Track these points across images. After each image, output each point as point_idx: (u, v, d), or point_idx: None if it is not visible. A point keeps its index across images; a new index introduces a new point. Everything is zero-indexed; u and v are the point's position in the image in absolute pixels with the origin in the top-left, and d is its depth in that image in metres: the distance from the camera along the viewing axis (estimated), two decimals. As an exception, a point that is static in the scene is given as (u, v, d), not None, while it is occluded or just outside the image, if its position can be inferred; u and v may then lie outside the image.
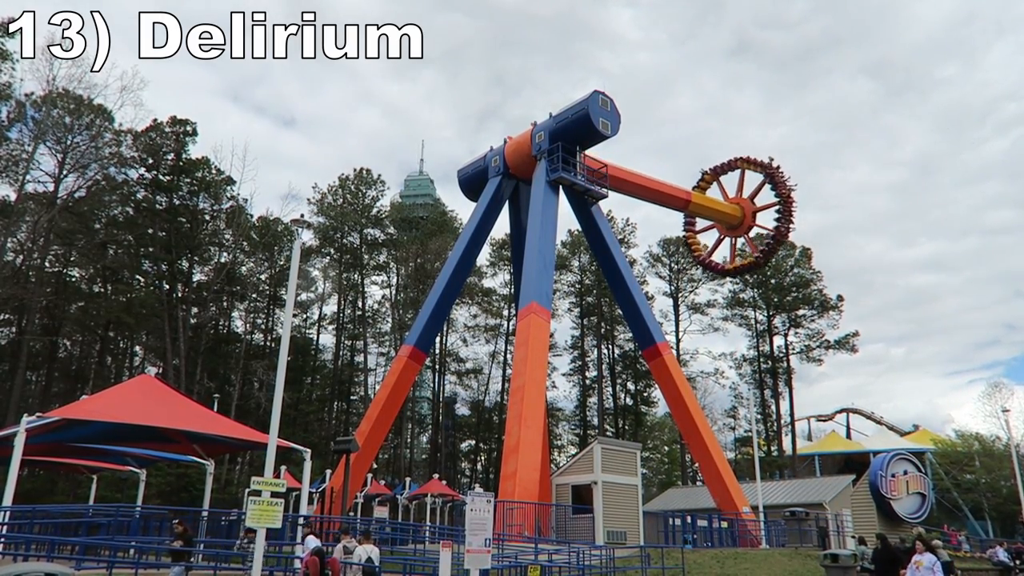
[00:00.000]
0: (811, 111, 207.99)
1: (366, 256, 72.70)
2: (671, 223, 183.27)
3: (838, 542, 34.86)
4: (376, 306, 74.74)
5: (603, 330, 73.93)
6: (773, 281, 72.50)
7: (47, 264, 56.29)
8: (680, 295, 73.87)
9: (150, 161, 58.73)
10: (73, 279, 61.06)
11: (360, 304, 73.12)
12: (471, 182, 40.73)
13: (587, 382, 74.43)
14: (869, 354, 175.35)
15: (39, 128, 49.73)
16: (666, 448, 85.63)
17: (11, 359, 53.76)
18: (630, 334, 62.58)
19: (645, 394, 74.10)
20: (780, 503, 39.45)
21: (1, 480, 18.74)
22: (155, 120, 58.87)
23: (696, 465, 55.42)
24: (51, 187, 51.48)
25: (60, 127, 50.33)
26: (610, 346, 74.44)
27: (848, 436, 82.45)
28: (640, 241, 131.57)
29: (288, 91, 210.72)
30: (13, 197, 51.54)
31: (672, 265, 74.19)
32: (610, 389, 74.17)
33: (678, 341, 71.59)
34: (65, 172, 51.42)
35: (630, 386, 75.15)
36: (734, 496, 33.81)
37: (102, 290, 61.78)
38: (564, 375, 75.18)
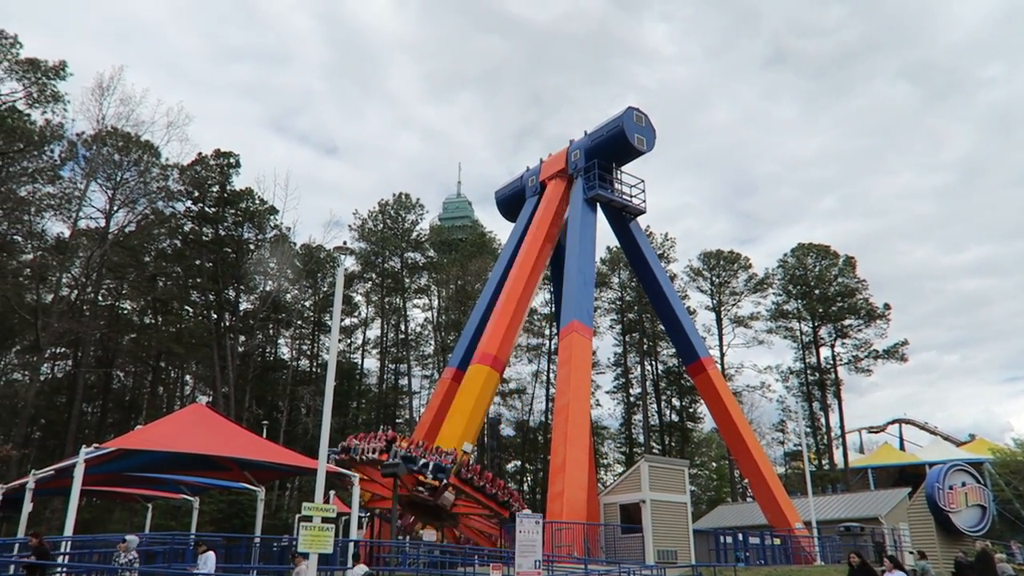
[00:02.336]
0: (851, 117, 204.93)
1: (407, 280, 73.42)
2: (711, 236, 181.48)
3: (896, 558, 33.83)
4: (419, 329, 75.38)
5: (646, 346, 73.35)
6: (817, 292, 71.28)
7: (100, 298, 57.98)
8: (723, 308, 73.00)
9: (196, 194, 60.29)
10: (125, 311, 62.75)
11: (403, 327, 73.74)
12: (509, 203, 41.01)
13: (631, 399, 73.81)
14: (920, 363, 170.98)
15: (90, 166, 51.49)
16: (714, 464, 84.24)
17: (68, 391, 55.36)
18: (673, 350, 62.01)
19: (691, 410, 73.16)
20: (834, 518, 38.51)
21: (62, 510, 19.28)
22: (200, 154, 60.54)
23: (745, 481, 54.44)
24: (102, 223, 53.21)
25: (110, 164, 52.04)
26: (653, 362, 73.79)
27: (901, 448, 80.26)
28: (680, 255, 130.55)
29: (329, 119, 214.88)
30: (67, 234, 53.35)
31: (713, 279, 73.41)
32: (655, 406, 73.42)
33: (722, 355, 70.68)
34: (116, 208, 53.14)
35: (675, 402, 74.29)
36: (786, 512, 33.12)
37: (153, 321, 63.36)
38: (608, 393, 74.72)
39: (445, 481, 24.01)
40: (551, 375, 70.23)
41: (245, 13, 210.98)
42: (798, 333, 72.61)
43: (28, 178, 50.91)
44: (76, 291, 54.29)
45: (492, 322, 33.04)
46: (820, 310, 70.97)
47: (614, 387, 74.63)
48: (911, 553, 32.06)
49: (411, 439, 26.16)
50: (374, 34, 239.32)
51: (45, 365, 56.05)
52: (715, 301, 73.20)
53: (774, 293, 73.45)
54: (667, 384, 73.84)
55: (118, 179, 52.70)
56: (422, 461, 24.01)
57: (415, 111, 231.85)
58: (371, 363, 76.46)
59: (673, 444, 71.70)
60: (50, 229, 55.46)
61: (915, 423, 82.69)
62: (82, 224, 53.44)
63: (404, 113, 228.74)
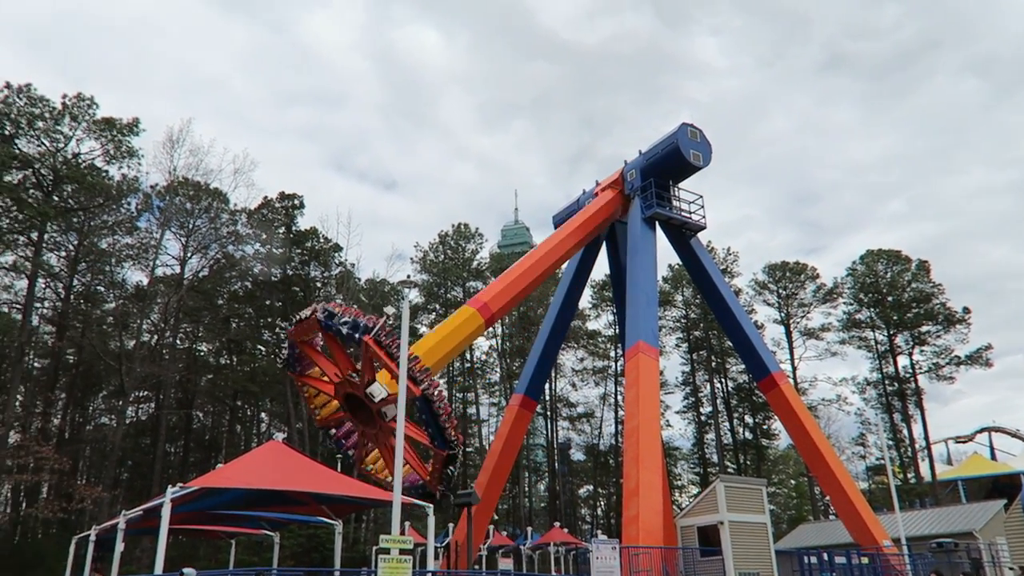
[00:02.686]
0: (914, 117, 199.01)
1: (470, 308, 73.97)
2: (775, 248, 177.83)
3: (995, 574, 32.18)
4: (484, 357, 75.76)
5: (714, 364, 72.07)
6: (890, 299, 68.95)
7: (178, 341, 60.23)
8: (791, 321, 71.27)
9: (263, 236, 62.34)
10: (202, 353, 65.00)
11: (468, 356, 74.24)
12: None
13: (702, 418, 72.47)
14: (1008, 367, 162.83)
15: (164, 216, 53.85)
16: (792, 482, 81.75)
17: (152, 433, 57.48)
18: (743, 366, 60.75)
19: (764, 427, 71.36)
20: (924, 534, 36.84)
21: (151, 549, 19.95)
22: (266, 197, 62.66)
23: (827, 498, 52.64)
24: (178, 269, 55.48)
25: (182, 213, 54.35)
26: (723, 380, 72.38)
27: (992, 457, 76.25)
28: (744, 269, 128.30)
29: (387, 155, 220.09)
30: (146, 282, 55.77)
31: (780, 291, 71.84)
32: (727, 424, 71.89)
33: (794, 369, 68.86)
34: (189, 254, 55.36)
35: (748, 419, 72.59)
36: (872, 529, 31.87)
37: (228, 362, 65.42)
38: (678, 413, 73.58)
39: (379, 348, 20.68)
40: (619, 397, 69.58)
41: (302, 58, 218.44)
42: (873, 343, 70.28)
43: (108, 231, 53.58)
44: (156, 336, 56.55)
45: (499, 278, 33.45)
46: (895, 317, 68.59)
47: (684, 407, 73.51)
48: (1011, 569, 30.47)
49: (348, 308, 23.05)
50: (426, 69, 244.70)
51: (130, 408, 58.37)
52: (783, 314, 71.56)
53: (844, 303, 71.43)
54: (738, 401, 72.27)
55: (190, 227, 54.98)
56: (343, 319, 21.31)
57: (469, 141, 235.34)
58: (439, 392, 77.01)
59: (748, 463, 69.96)
60: (130, 278, 58.24)
61: (1006, 431, 78.53)
62: (159, 272, 55.88)
63: (459, 144, 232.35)
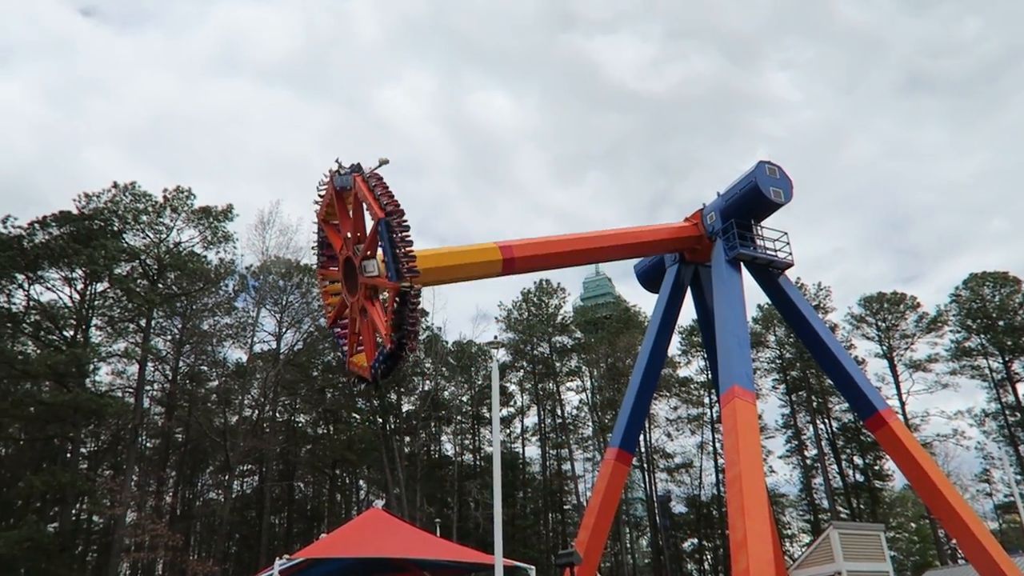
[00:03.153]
0: (1007, 131, 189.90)
1: (558, 363, 73.80)
2: (870, 279, 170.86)
3: None
4: (575, 412, 75.04)
5: (815, 404, 69.06)
6: (1001, 323, 64.90)
7: (277, 415, 62.21)
8: (895, 354, 67.86)
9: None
10: (300, 424, 66.87)
11: (559, 412, 73.72)
12: (648, 275, 40.65)
13: (808, 462, 69.20)
14: None
15: (259, 295, 56.36)
16: (913, 525, 76.70)
17: (257, 505, 59.09)
18: (846, 405, 58.02)
19: (876, 467, 67.47)
20: (1071, 577, 33.72)
21: (264, 621, 20.33)
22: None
23: (953, 541, 49.05)
24: (274, 344, 57.67)
25: (276, 291, 56.74)
26: (826, 420, 69.17)
27: None
28: (838, 303, 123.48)
29: (466, 217, 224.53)
30: (245, 358, 58.19)
31: (879, 323, 68.73)
32: (835, 467, 68.35)
33: (903, 404, 65.26)
34: (284, 329, 57.59)
35: (857, 460, 68.83)
36: (1008, 573, 29.44)
37: (325, 431, 67.03)
38: (781, 458, 70.54)
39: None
40: (717, 445, 67.43)
41: (379, 132, 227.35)
42: (987, 371, 66.01)
43: (209, 312, 56.48)
44: (256, 411, 58.61)
45: (536, 239, 31.04)
46: (1009, 343, 64.37)
47: (787, 451, 70.45)
48: None
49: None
50: (498, 131, 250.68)
51: (235, 482, 60.33)
52: (885, 347, 68.28)
53: (951, 331, 67.61)
54: (845, 442, 68.77)
55: (284, 303, 57.30)
56: (385, 200, 19.93)
57: (546, 196, 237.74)
58: (532, 451, 76.61)
59: (862, 507, 66.08)
60: (230, 356, 60.88)
61: None
62: (257, 348, 58.29)
63: (535, 200, 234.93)
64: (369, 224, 20.73)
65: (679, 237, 35.04)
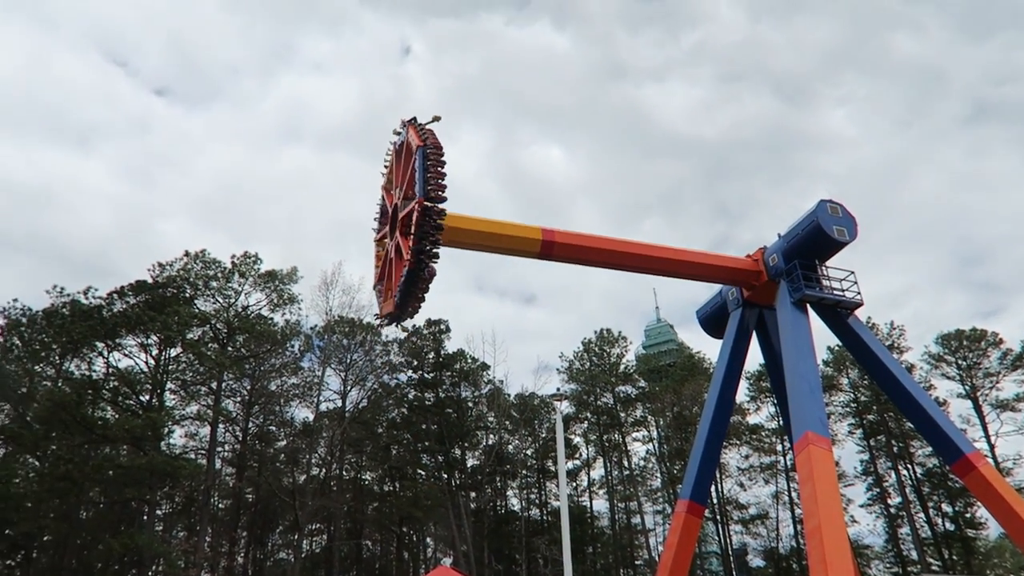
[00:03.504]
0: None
1: (623, 414, 72.60)
2: (946, 315, 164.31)
3: None
4: (642, 463, 73.38)
5: (896, 449, 65.94)
6: (1094, 356, 61.32)
7: (344, 473, 62.58)
8: (979, 394, 64.59)
9: (415, 363, 64.82)
10: (366, 482, 67.08)
11: (626, 463, 72.20)
12: (711, 320, 39.92)
13: (892, 511, 65.78)
14: None
15: (324, 354, 57.39)
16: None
17: (326, 564, 59.09)
18: (930, 449, 55.27)
19: (967, 515, 63.63)
20: None
21: None
22: (414, 325, 65.57)
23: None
24: (339, 403, 58.38)
25: (340, 349, 57.71)
26: (909, 465, 65.85)
27: None
28: (914, 342, 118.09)
29: (525, 270, 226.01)
30: (311, 417, 58.99)
31: (959, 362, 65.70)
32: (922, 515, 64.74)
33: (991, 447, 61.80)
34: (349, 387, 58.32)
35: (945, 508, 65.10)
36: None
37: (391, 488, 67.02)
38: (862, 507, 67.20)
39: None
40: (793, 494, 64.85)
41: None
42: (1084, 408, 62.16)
43: (276, 373, 57.66)
44: (323, 469, 59.09)
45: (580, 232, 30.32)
46: (1104, 377, 60.69)
47: (868, 499, 67.09)
48: None
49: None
50: (553, 183, 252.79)
51: (304, 542, 60.54)
52: (967, 387, 65.10)
53: (1038, 366, 64.10)
54: (931, 488, 65.21)
55: (348, 361, 58.15)
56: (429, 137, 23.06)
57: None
58: (600, 504, 74.97)
59: (955, 557, 62.21)
60: (297, 415, 61.86)
61: None
62: (323, 407, 59.04)
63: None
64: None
65: (735, 269, 34.39)
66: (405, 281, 22.13)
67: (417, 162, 22.89)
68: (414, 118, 24.47)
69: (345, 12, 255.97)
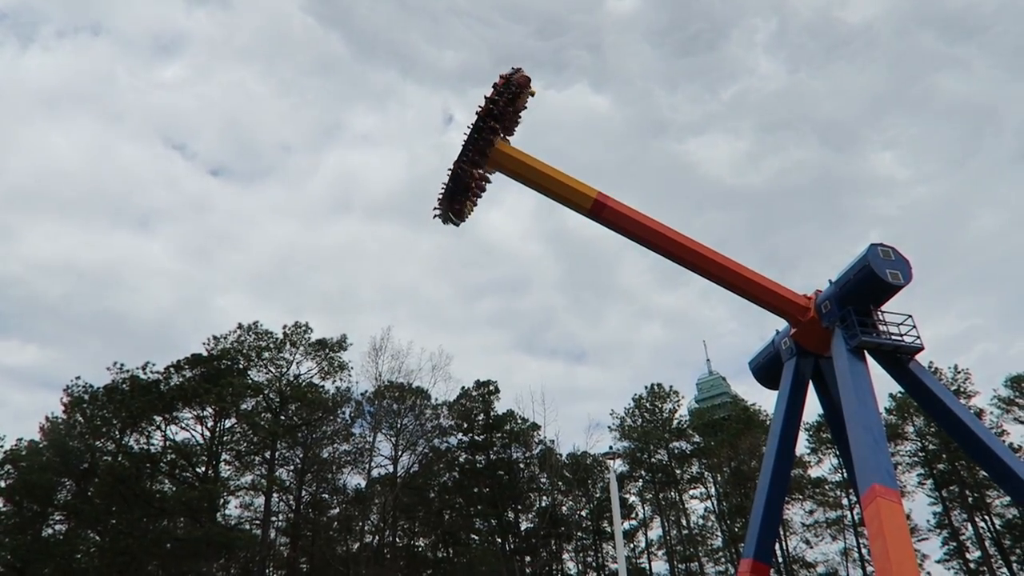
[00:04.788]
0: None
1: (678, 470, 70.79)
2: (1015, 356, 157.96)
3: None
4: (701, 521, 71.07)
5: (970, 499, 62.75)
6: None
7: (396, 539, 61.92)
8: (1056, 438, 61.47)
9: (465, 425, 64.51)
10: (419, 549, 66.15)
11: (684, 522, 70.03)
12: (765, 371, 39.06)
13: (972, 566, 62.25)
14: None
15: (375, 420, 57.55)
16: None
17: (381, 636, 57.98)
18: (1009, 498, 52.48)
19: (1056, 568, 59.91)
20: None
21: None
22: (463, 387, 65.49)
23: None
24: (391, 468, 58.18)
25: (391, 414, 57.83)
26: (986, 516, 62.47)
27: None
28: (982, 386, 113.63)
29: (574, 328, 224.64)
30: (363, 484, 58.83)
31: (1031, 405, 62.82)
32: (1005, 570, 61.08)
33: (1075, 494, 58.34)
34: (400, 452, 58.15)
35: (1031, 561, 61.41)
36: None
37: (445, 554, 65.96)
38: (939, 562, 63.71)
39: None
40: (863, 551, 61.93)
41: (485, 254, 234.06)
42: None
43: (328, 440, 57.90)
44: (376, 536, 58.56)
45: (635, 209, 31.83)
46: None
47: (945, 554, 63.66)
48: None
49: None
50: (600, 240, 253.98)
51: (360, 613, 59.66)
52: (1042, 431, 62.08)
53: (1119, 407, 60.93)
54: (1013, 541, 61.63)
55: (399, 426, 58.16)
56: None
57: (652, 300, 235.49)
58: (659, 566, 72.49)
59: (1045, 615, 58.35)
60: (349, 482, 61.67)
61: None
62: (375, 473, 58.90)
63: (642, 305, 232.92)
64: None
65: (783, 297, 33.99)
66: (452, 180, 28.11)
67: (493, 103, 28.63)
68: (518, 69, 29.44)
69: (390, 87, 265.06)
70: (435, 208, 30.20)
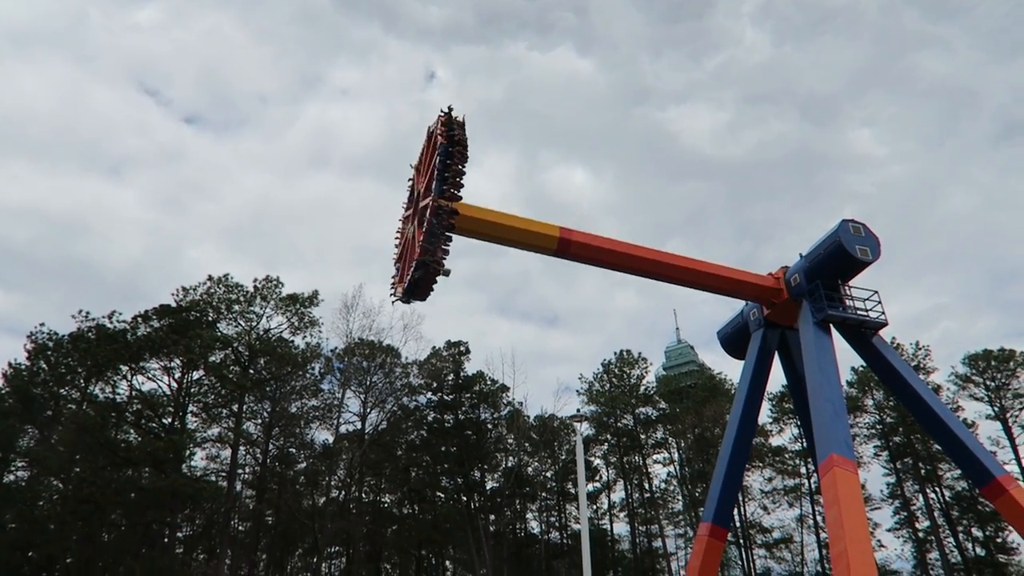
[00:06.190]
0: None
1: (643, 435, 71.97)
2: (976, 335, 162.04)
3: None
4: (663, 485, 72.59)
5: (923, 471, 64.70)
6: None
7: (363, 495, 62.43)
8: (1008, 415, 63.35)
9: (434, 385, 64.77)
10: (385, 505, 66.84)
11: (647, 486, 71.45)
12: (732, 341, 39.58)
13: (920, 535, 64.44)
14: None
15: (344, 376, 57.49)
16: (1049, 604, 69.75)
17: (345, 589, 58.83)
18: (959, 471, 54.21)
19: (999, 539, 62.16)
20: None
21: None
22: (434, 347, 65.63)
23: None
24: (359, 425, 58.38)
25: (360, 372, 57.81)
26: (937, 488, 64.55)
27: None
28: (941, 363, 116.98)
29: (548, 293, 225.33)
30: (331, 440, 59.00)
31: (988, 383, 64.57)
32: (951, 540, 63.33)
33: (1023, 469, 60.46)
34: (368, 409, 58.33)
35: (976, 532, 63.64)
36: None
37: (411, 511, 66.73)
38: (890, 531, 65.89)
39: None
40: (818, 518, 63.78)
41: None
42: (1120, 429, 60.73)
43: (296, 395, 57.84)
44: (343, 492, 58.98)
45: (598, 235, 30.59)
46: None
47: (896, 523, 65.81)
48: None
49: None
50: (578, 205, 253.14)
51: (324, 565, 60.32)
52: (997, 408, 63.90)
53: (1072, 385, 62.80)
54: (961, 512, 63.82)
55: (368, 383, 58.21)
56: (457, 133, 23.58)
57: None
58: (621, 527, 74.14)
59: (987, 584, 60.76)
60: (317, 438, 61.83)
61: None
62: (343, 429, 59.10)
63: (617, 273, 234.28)
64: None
65: (755, 285, 34.11)
66: (414, 271, 23.88)
67: (438, 159, 23.73)
68: (449, 107, 25.10)
69: (373, 41, 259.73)
70: (395, 296, 26.60)
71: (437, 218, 23.45)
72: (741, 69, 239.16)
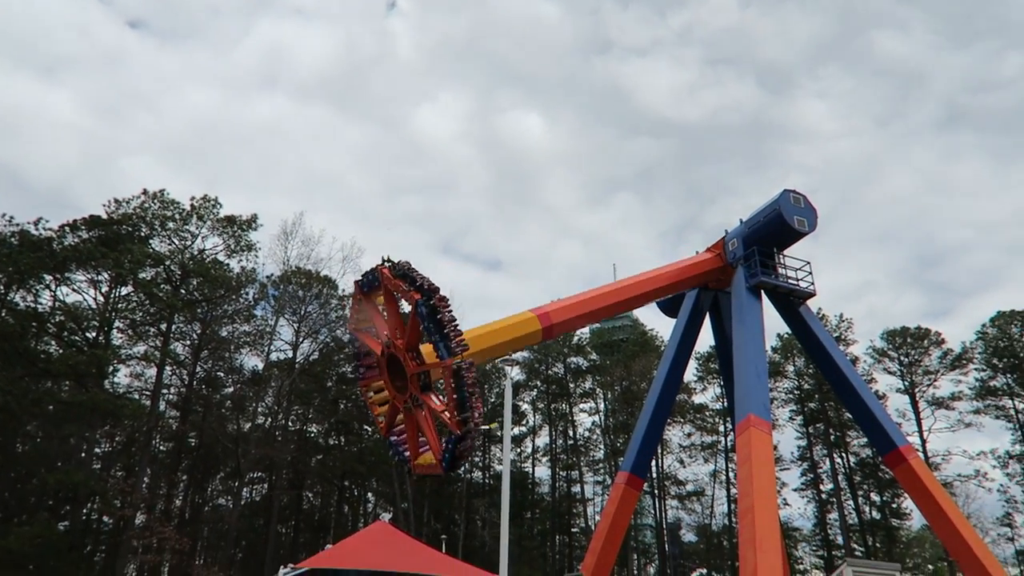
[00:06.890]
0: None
1: (572, 385, 73.47)
2: (899, 313, 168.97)
3: None
4: (587, 434, 74.55)
5: (833, 437, 68.05)
6: (1028, 363, 63.74)
7: (290, 424, 62.31)
8: (917, 390, 66.83)
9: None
10: (312, 435, 66.92)
11: (571, 433, 73.27)
12: (667, 299, 40.45)
13: (823, 496, 68.11)
14: None
15: (279, 304, 56.67)
16: (930, 567, 75.08)
17: (265, 513, 59.07)
18: (865, 439, 57.16)
19: (894, 505, 66.21)
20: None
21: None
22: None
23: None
24: (290, 354, 57.86)
25: (295, 300, 57.05)
26: (843, 454, 68.09)
27: None
28: (863, 335, 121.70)
29: (493, 237, 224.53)
30: (261, 366, 58.42)
31: (901, 358, 67.78)
32: (851, 502, 67.16)
33: (924, 442, 64.13)
34: (301, 339, 57.75)
35: (874, 497, 67.61)
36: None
37: (336, 442, 67.02)
38: (796, 491, 69.41)
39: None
40: (730, 474, 66.61)
41: (414, 151, 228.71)
42: (1013, 412, 64.75)
43: (228, 319, 56.84)
44: (269, 419, 58.76)
45: (570, 297, 31.11)
46: (1034, 383, 63.16)
47: (802, 484, 69.33)
48: None
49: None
50: (530, 152, 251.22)
51: (245, 490, 60.33)
52: (907, 383, 67.26)
53: (976, 369, 66.46)
54: (863, 477, 67.60)
55: (302, 313, 57.55)
56: (420, 281, 19.81)
57: (574, 219, 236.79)
58: (542, 471, 76.10)
59: (878, 545, 64.81)
60: (247, 363, 61.10)
61: None
62: (273, 356, 58.45)
63: (564, 222, 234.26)
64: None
65: (704, 271, 34.95)
66: (456, 443, 19.72)
67: (422, 316, 20.09)
68: (382, 260, 21.54)
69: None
70: (423, 472, 21.99)
71: (462, 381, 19.67)
72: (705, 30, 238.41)
